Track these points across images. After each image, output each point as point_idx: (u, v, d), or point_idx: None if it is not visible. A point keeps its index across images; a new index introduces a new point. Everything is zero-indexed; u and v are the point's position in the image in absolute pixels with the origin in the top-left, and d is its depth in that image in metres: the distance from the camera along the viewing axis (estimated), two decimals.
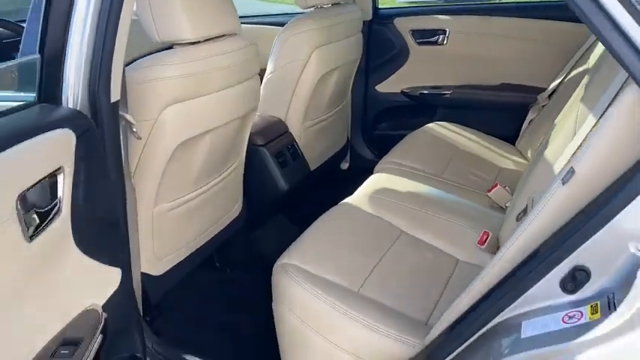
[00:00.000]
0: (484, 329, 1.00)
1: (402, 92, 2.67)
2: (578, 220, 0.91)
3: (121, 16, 1.11)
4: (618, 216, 0.84)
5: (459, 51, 2.53)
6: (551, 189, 0.98)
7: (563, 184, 0.94)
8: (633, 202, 0.83)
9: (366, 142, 2.76)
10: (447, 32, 2.52)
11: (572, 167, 0.93)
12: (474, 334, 1.01)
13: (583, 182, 0.92)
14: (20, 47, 1.15)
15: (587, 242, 0.87)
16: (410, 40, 2.59)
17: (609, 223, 0.85)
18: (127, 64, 1.32)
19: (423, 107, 2.67)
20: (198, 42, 1.46)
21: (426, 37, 2.56)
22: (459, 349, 1.03)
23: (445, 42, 2.53)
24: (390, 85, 2.68)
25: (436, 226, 1.67)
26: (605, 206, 0.86)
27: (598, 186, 0.90)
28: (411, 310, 1.34)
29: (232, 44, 1.56)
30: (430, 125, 2.40)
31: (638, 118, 0.84)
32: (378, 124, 2.79)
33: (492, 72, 2.50)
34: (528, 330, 0.91)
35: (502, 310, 0.98)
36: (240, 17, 1.62)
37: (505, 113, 2.48)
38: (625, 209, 0.84)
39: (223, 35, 1.55)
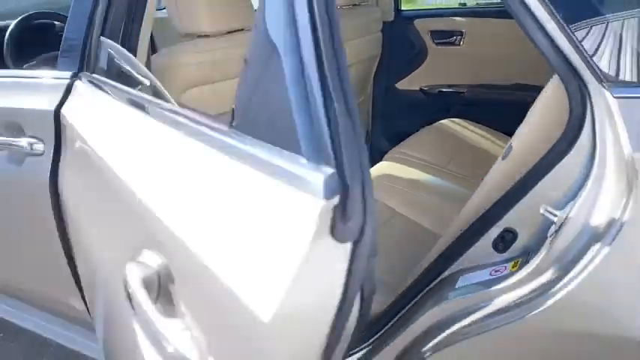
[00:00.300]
0: (432, 284, 1.15)
1: (421, 90, 2.78)
2: (510, 190, 1.05)
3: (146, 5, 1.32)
4: (539, 184, 0.98)
5: (475, 51, 2.62)
6: (495, 165, 1.12)
7: (502, 159, 1.08)
8: (549, 173, 0.96)
9: (385, 136, 2.88)
10: (464, 33, 2.62)
11: (511, 144, 1.07)
12: (426, 287, 1.17)
13: (518, 157, 1.05)
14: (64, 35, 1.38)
15: (514, 207, 1.01)
16: (429, 41, 2.70)
17: (531, 191, 0.99)
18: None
19: (440, 104, 2.77)
20: (217, 34, 1.66)
21: (444, 37, 2.66)
22: (415, 300, 1.19)
23: (462, 43, 2.64)
24: (410, 83, 2.79)
25: (428, 209, 1.80)
26: (530, 176, 1.00)
27: (530, 160, 1.03)
28: (391, 278, 1.49)
29: (247, 38, 1.75)
30: (444, 121, 2.51)
31: (558, 103, 0.97)
32: (397, 120, 2.89)
33: (506, 72, 2.57)
34: (461, 282, 1.05)
35: (445, 270, 1.13)
36: None
37: (517, 112, 2.54)
38: (543, 179, 0.97)
39: (241, 29, 1.75)
